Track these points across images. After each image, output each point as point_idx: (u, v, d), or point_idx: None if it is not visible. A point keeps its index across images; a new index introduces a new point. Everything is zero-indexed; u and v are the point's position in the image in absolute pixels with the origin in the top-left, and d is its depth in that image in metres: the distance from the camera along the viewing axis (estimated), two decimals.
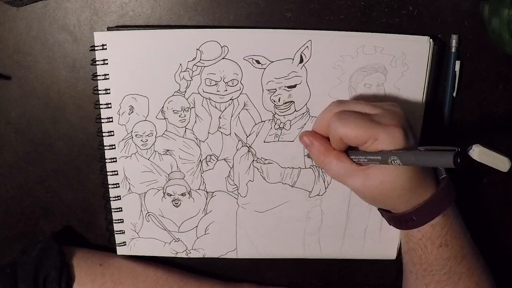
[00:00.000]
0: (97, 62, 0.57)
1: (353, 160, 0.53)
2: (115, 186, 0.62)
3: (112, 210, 0.63)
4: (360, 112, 0.52)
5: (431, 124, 0.62)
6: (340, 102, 0.55)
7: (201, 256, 0.66)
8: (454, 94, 0.61)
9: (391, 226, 0.57)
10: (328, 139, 0.55)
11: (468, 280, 0.57)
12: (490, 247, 0.68)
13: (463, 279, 0.57)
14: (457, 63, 0.60)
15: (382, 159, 0.49)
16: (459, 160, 0.42)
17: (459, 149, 0.44)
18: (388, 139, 0.49)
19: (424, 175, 0.53)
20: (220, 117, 0.60)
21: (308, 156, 0.59)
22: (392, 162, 0.48)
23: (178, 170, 0.61)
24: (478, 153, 0.62)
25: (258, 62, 0.58)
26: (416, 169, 0.51)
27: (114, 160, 0.61)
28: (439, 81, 0.61)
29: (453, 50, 0.59)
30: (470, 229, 0.67)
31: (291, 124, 0.60)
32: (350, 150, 0.54)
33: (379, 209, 0.59)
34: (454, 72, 0.60)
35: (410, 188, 0.52)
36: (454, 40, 0.59)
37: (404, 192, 0.52)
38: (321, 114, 0.56)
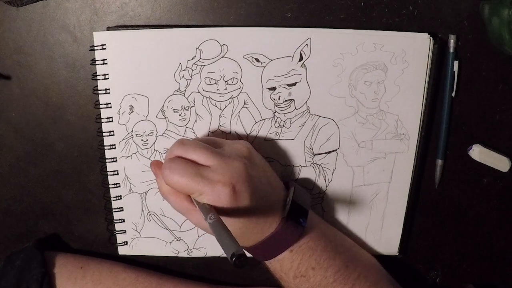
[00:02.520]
0: (96, 62, 0.57)
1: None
2: (115, 186, 0.62)
3: (113, 210, 0.63)
4: (193, 161, 0.50)
5: (431, 124, 0.62)
6: (181, 143, 0.52)
7: (203, 255, 0.65)
8: (453, 94, 0.61)
9: (393, 223, 0.56)
10: None
11: None
12: (489, 247, 0.68)
13: None
14: (456, 63, 0.60)
15: (204, 213, 0.48)
16: (234, 260, 0.41)
17: (240, 252, 0.42)
18: (213, 196, 0.48)
19: (265, 215, 0.53)
20: (220, 116, 0.59)
21: None
22: (209, 219, 0.46)
23: None
24: (478, 153, 0.62)
25: (257, 60, 0.58)
26: (251, 213, 0.51)
27: (115, 160, 0.61)
28: (440, 81, 0.61)
29: (451, 50, 0.59)
30: (470, 229, 0.67)
31: (291, 122, 0.60)
32: None
33: None
34: (453, 72, 0.60)
35: (246, 229, 0.52)
36: (452, 40, 0.59)
37: (240, 232, 0.52)
38: (169, 150, 0.53)
